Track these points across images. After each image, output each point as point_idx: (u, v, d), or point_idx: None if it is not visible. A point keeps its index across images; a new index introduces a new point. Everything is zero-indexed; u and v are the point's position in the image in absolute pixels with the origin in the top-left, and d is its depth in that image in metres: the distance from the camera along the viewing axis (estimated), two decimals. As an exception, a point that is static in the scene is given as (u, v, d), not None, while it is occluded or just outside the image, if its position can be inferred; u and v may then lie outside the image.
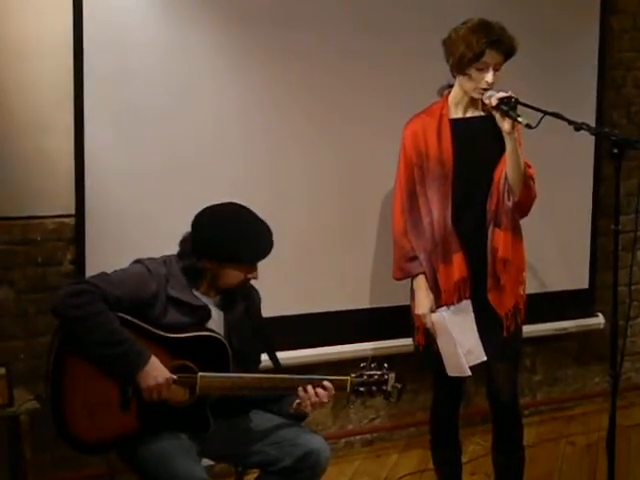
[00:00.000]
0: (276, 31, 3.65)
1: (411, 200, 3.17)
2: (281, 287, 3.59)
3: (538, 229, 3.79)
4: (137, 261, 2.78)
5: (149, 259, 2.78)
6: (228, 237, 2.72)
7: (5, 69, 3.27)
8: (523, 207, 3.12)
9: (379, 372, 2.82)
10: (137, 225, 3.45)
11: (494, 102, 2.99)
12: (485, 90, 3.03)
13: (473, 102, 3.13)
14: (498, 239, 3.10)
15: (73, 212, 3.40)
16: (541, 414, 4.61)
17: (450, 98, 3.16)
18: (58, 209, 3.40)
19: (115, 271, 2.72)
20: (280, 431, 2.83)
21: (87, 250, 3.39)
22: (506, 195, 3.08)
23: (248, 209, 2.81)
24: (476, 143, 3.13)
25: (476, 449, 4.10)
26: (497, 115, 3.02)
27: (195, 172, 3.55)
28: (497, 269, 3.10)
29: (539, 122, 2.85)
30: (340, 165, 3.84)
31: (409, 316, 3.27)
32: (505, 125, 2.99)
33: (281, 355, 2.95)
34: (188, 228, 2.79)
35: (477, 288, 3.13)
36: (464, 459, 3.57)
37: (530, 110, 2.92)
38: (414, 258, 3.17)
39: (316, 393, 2.74)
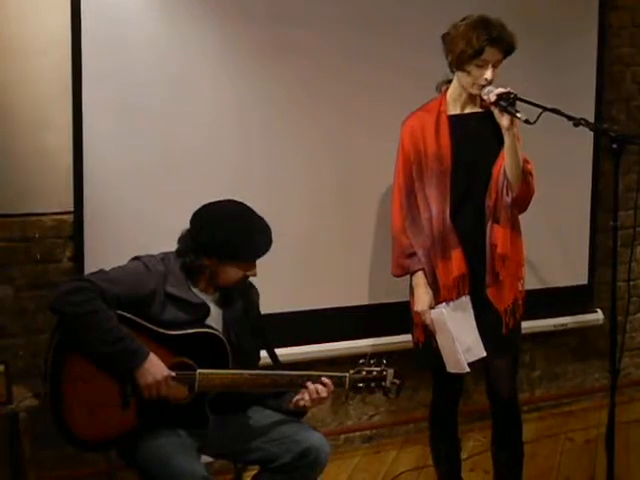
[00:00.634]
0: (275, 28, 3.64)
1: (409, 196, 3.16)
2: (279, 284, 3.59)
3: (537, 225, 3.79)
4: (135, 258, 2.78)
5: (148, 256, 2.78)
6: (227, 234, 2.72)
7: (3, 66, 3.27)
8: (522, 203, 3.12)
9: (378, 368, 2.82)
10: (136, 222, 3.45)
11: (493, 98, 2.99)
12: (483, 86, 3.02)
13: (471, 98, 3.13)
14: (497, 235, 3.10)
15: (72, 209, 3.40)
16: (540, 410, 4.62)
17: (448, 94, 3.16)
18: (57, 206, 3.40)
19: (114, 268, 2.72)
20: (279, 428, 2.83)
21: (86, 247, 3.39)
22: (505, 191, 3.08)
23: (247, 206, 2.80)
24: (474, 139, 3.13)
25: (475, 445, 4.10)
26: (495, 111, 3.02)
27: (194, 169, 3.55)
28: (496, 265, 3.10)
29: (538, 118, 2.85)
30: (338, 162, 3.84)
31: (408, 312, 3.26)
32: (504, 121, 2.99)
33: (280, 352, 2.95)
34: (187, 225, 2.79)
35: (476, 284, 3.13)
36: (463, 455, 3.58)
37: (529, 106, 2.92)
38: (413, 254, 3.17)
39: (315, 389, 2.75)
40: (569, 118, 2.79)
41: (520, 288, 3.18)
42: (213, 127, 3.59)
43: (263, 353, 2.93)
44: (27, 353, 3.40)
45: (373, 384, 2.82)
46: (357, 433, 4.21)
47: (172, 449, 2.64)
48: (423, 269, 3.16)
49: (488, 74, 3.01)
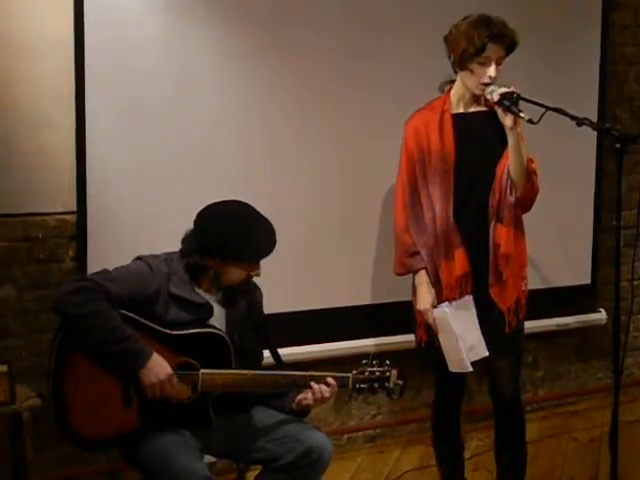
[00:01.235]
0: (277, 27, 3.64)
1: (413, 195, 3.16)
2: (283, 284, 3.58)
3: (540, 225, 3.78)
4: (139, 258, 2.78)
5: (151, 256, 2.77)
6: (231, 235, 2.71)
7: (7, 66, 3.26)
8: (526, 202, 3.12)
9: (381, 369, 2.82)
10: (139, 222, 3.45)
11: (496, 97, 2.98)
12: (487, 85, 3.02)
13: (475, 98, 3.13)
14: (500, 234, 3.10)
15: (75, 209, 3.40)
16: (543, 410, 4.61)
17: (452, 94, 3.16)
18: (60, 206, 3.40)
19: (116, 268, 2.72)
20: (282, 427, 2.83)
21: (89, 247, 3.39)
22: (508, 190, 3.08)
23: (251, 206, 2.80)
24: (478, 138, 3.13)
25: (478, 445, 4.10)
26: (499, 110, 3.01)
27: (197, 169, 3.55)
28: (499, 264, 3.10)
29: (541, 117, 2.85)
30: (341, 161, 3.84)
31: (411, 312, 3.26)
32: (507, 120, 2.99)
33: (283, 352, 2.95)
34: (190, 225, 2.79)
35: (479, 283, 3.13)
36: (466, 455, 3.58)
37: (532, 105, 2.91)
38: (416, 253, 3.16)
39: (320, 389, 2.74)
40: (572, 118, 2.78)
41: (523, 287, 3.18)
42: (216, 127, 3.59)
43: (266, 353, 2.93)
44: (30, 353, 3.39)
45: (376, 385, 2.82)
46: (360, 433, 4.21)
47: (175, 449, 2.63)
48: (426, 268, 3.16)
49: (491, 71, 3.01)
